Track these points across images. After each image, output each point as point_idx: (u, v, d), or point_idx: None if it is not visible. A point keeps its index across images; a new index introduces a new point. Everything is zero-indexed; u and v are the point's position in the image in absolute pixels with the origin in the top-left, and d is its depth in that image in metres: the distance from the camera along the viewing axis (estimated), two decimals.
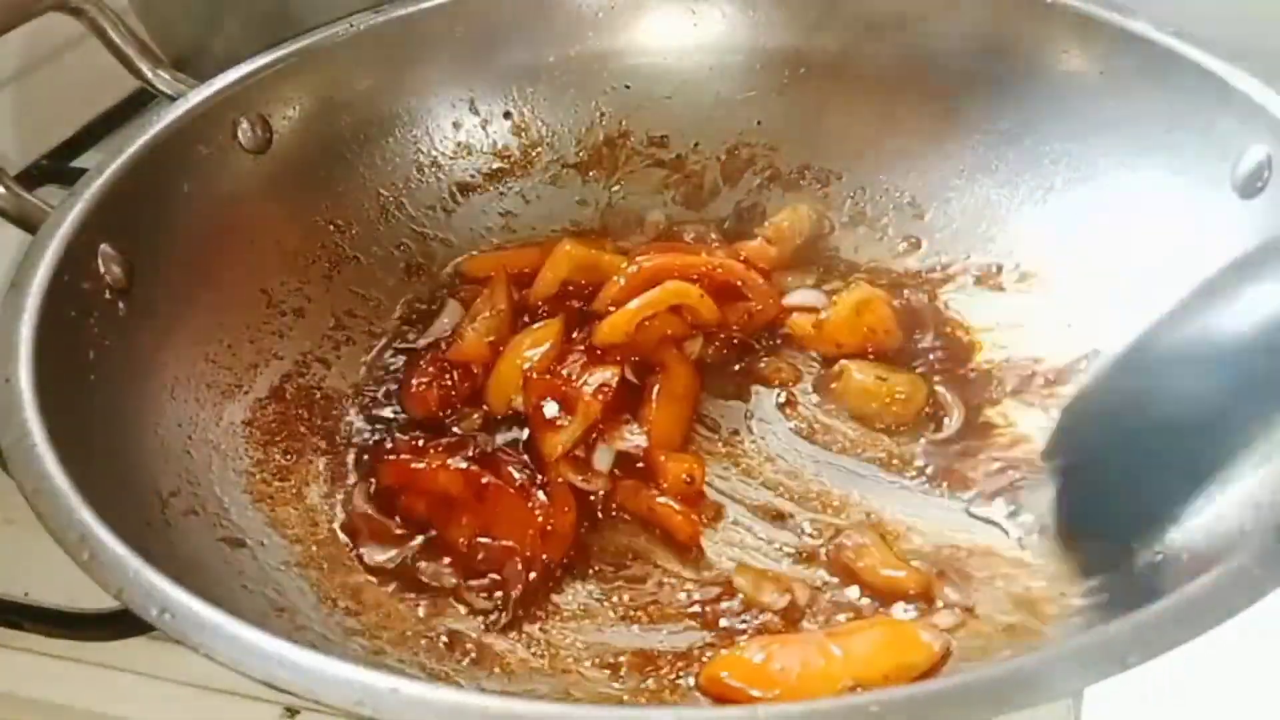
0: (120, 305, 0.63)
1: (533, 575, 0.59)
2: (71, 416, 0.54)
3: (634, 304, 0.71)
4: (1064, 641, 0.42)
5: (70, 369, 0.58)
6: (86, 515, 0.47)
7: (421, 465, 0.64)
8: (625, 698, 0.53)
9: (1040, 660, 0.41)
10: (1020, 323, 0.73)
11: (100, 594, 0.45)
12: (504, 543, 0.61)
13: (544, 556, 0.60)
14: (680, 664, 0.56)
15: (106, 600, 0.46)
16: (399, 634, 0.57)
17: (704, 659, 0.55)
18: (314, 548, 0.61)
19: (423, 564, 0.61)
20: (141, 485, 0.57)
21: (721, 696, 0.53)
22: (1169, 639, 0.41)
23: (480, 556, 0.61)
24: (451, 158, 0.84)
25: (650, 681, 0.55)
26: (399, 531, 0.63)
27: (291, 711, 0.56)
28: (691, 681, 0.54)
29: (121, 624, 0.57)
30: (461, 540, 0.61)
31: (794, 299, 0.77)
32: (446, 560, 0.61)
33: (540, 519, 0.61)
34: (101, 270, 0.62)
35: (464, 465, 0.63)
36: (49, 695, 0.59)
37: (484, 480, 0.62)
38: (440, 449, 0.65)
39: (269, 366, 0.71)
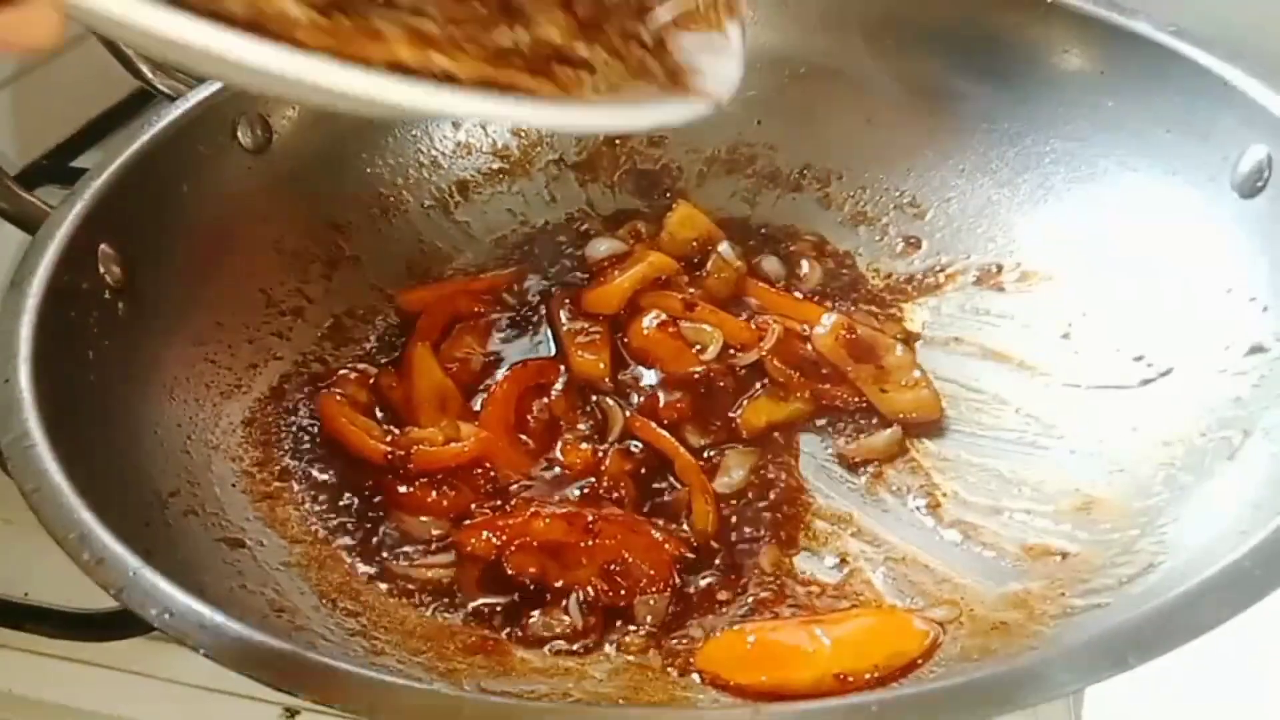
0: (120, 305, 0.63)
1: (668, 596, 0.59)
2: (71, 417, 0.54)
3: (623, 279, 0.74)
4: (1064, 641, 0.42)
5: (70, 369, 0.58)
6: (86, 515, 0.47)
7: (513, 521, 0.61)
8: (624, 696, 0.53)
9: (1040, 660, 0.41)
10: (1020, 322, 0.73)
11: (100, 594, 0.45)
12: (643, 567, 0.59)
13: (673, 578, 0.59)
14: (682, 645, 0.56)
15: (106, 600, 0.46)
16: (399, 634, 0.57)
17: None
18: (313, 548, 0.61)
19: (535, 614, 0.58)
20: (141, 485, 0.57)
21: (714, 679, 0.54)
22: (1169, 639, 0.41)
23: (612, 589, 0.59)
24: (451, 157, 0.84)
25: (653, 664, 0.55)
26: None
27: (291, 712, 0.56)
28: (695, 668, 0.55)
29: (121, 624, 0.57)
30: (593, 580, 0.59)
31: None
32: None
33: (661, 539, 0.60)
34: (101, 270, 0.62)
35: (560, 510, 0.61)
36: (49, 695, 0.59)
37: (590, 518, 0.60)
38: (517, 501, 0.63)
39: (268, 366, 0.71)
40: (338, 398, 0.69)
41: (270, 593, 0.55)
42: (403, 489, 0.64)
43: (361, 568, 0.61)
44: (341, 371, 0.72)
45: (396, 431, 0.68)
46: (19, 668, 0.60)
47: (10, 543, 0.64)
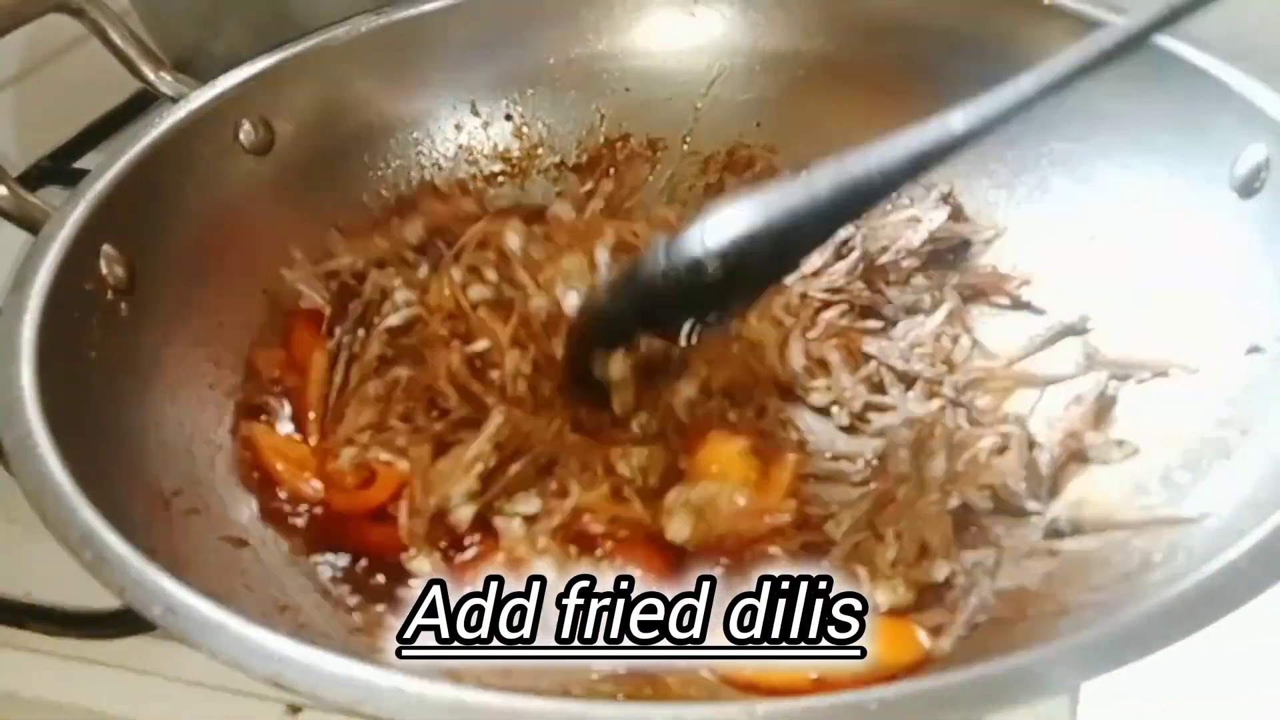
0: (122, 306, 0.63)
1: None
2: (73, 417, 0.54)
3: None
4: (1062, 639, 0.42)
5: (72, 369, 0.58)
6: (89, 515, 0.48)
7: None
8: (624, 695, 0.53)
9: (1038, 657, 0.41)
10: (1017, 324, 0.73)
11: (102, 593, 0.45)
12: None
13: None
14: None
15: (109, 599, 0.46)
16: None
17: None
18: None
19: None
20: (144, 485, 0.57)
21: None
22: (1166, 636, 0.41)
23: None
24: (452, 159, 0.84)
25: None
26: None
27: (294, 710, 0.56)
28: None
29: (124, 623, 0.58)
30: None
31: None
32: None
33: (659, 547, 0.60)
34: (104, 271, 0.62)
35: None
36: (51, 695, 0.59)
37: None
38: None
39: None
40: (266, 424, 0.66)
41: (273, 591, 0.55)
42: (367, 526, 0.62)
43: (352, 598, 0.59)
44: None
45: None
46: (21, 667, 0.60)
47: (12, 542, 0.64)
